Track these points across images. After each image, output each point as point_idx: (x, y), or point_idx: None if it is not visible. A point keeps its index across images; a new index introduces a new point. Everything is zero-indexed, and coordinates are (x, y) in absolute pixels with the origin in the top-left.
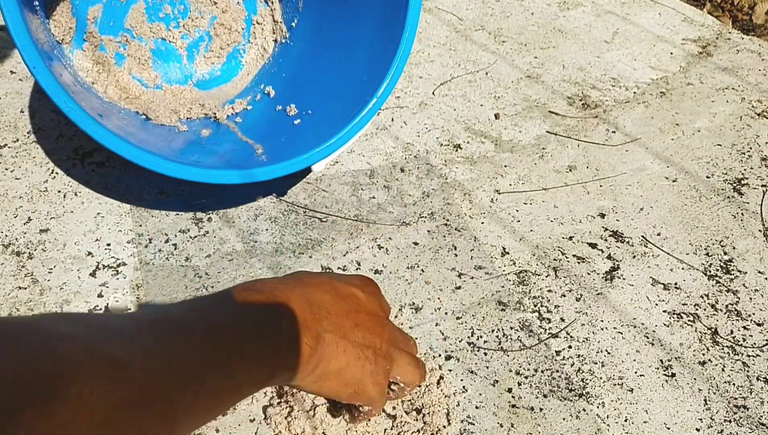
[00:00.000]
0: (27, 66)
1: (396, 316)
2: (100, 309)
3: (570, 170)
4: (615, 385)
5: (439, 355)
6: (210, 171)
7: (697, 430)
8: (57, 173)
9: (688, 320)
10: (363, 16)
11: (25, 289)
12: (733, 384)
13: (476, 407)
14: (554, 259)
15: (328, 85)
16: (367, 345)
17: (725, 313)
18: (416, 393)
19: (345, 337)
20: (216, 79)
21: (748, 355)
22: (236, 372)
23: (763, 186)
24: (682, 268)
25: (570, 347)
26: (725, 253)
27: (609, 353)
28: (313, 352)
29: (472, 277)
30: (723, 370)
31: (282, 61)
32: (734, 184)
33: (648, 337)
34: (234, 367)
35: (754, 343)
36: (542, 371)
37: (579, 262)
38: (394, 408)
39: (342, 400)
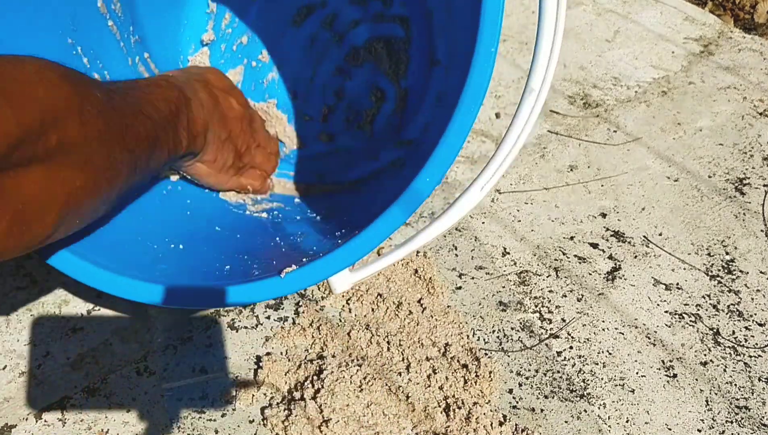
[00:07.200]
0: None
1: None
2: (99, 309)
3: (571, 170)
4: (616, 385)
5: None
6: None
7: (699, 431)
8: None
9: (690, 321)
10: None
11: (24, 289)
12: (735, 385)
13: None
14: (555, 259)
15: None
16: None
17: (727, 314)
18: (420, 397)
19: (221, 138)
20: None
21: (750, 356)
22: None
23: (765, 186)
24: (684, 268)
25: (571, 348)
26: (727, 253)
27: (610, 354)
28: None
29: (473, 278)
30: (725, 370)
31: None
32: (736, 184)
33: (649, 338)
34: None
35: (756, 344)
36: (543, 372)
37: (580, 262)
38: (399, 410)
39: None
